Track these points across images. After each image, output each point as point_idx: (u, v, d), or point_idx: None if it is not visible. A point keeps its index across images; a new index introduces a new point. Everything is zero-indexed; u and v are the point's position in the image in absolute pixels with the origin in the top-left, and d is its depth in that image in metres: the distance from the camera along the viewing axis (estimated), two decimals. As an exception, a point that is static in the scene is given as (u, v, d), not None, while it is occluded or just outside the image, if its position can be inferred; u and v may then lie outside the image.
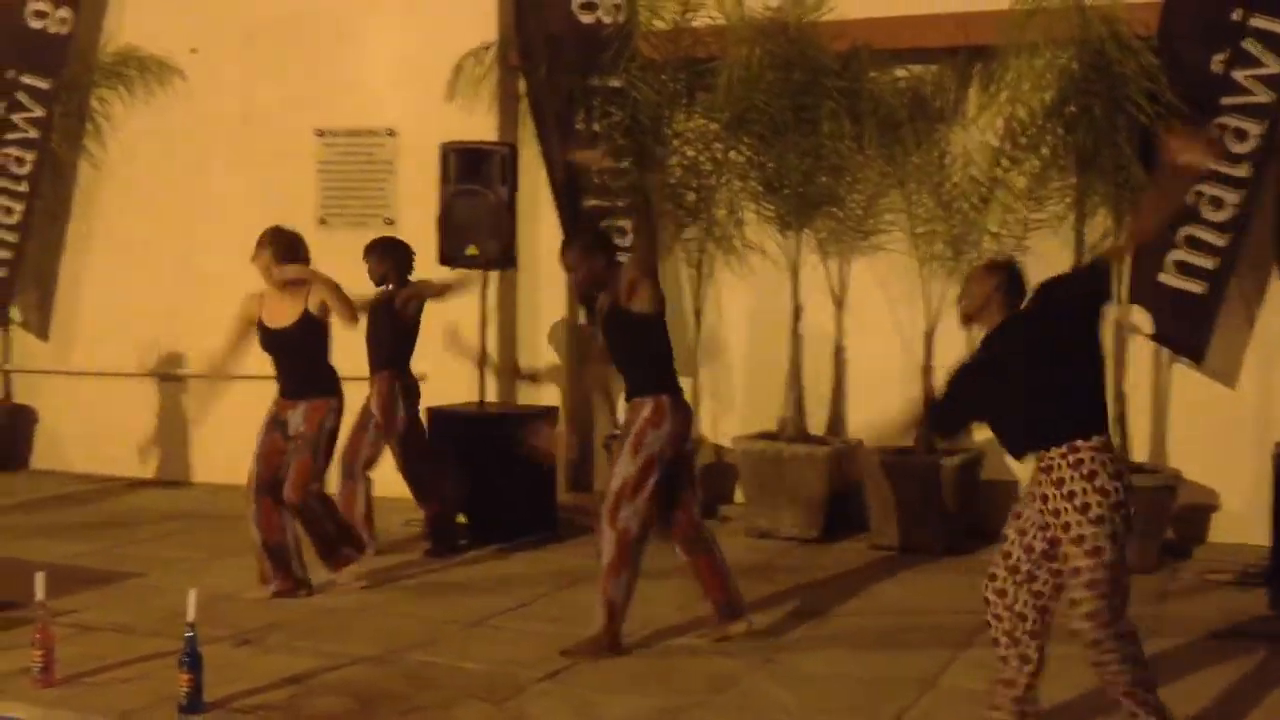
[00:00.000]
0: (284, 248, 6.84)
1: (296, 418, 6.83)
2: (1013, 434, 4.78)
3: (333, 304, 6.78)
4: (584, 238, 6.44)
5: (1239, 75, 7.55)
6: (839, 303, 8.70)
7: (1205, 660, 5.87)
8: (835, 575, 7.48)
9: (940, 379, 8.13)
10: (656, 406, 5.93)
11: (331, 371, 6.98)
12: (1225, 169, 7.41)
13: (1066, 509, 4.51)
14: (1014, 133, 7.88)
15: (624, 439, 5.96)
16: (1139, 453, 7.96)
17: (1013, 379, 4.69)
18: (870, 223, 8.52)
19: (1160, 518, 7.55)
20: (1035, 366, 4.64)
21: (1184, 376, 8.07)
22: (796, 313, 8.51)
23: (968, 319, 4.93)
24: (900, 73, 8.36)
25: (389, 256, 7.79)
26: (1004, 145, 7.92)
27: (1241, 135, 7.55)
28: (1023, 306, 4.79)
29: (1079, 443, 4.55)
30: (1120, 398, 7.73)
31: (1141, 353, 8.04)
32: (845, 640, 6.26)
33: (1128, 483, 4.61)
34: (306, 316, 6.80)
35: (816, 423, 8.70)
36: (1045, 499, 4.58)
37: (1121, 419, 7.68)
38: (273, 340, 6.88)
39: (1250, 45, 7.52)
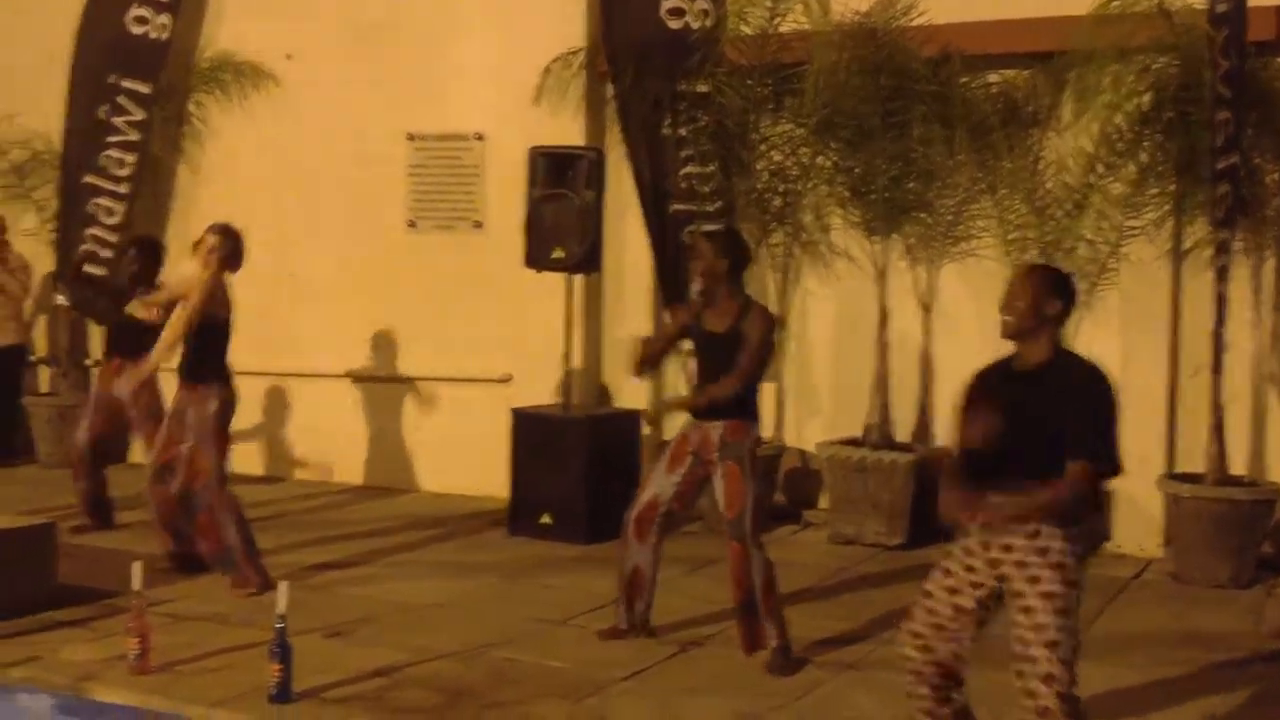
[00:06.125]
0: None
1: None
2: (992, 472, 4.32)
3: None
4: (723, 235, 6.53)
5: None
6: (927, 309, 8.63)
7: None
8: (919, 582, 7.38)
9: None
10: (756, 428, 5.99)
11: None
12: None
13: (1037, 562, 4.23)
14: (1110, 139, 7.79)
15: (731, 458, 5.85)
16: (1237, 465, 7.77)
17: (1025, 425, 4.24)
18: (960, 228, 8.44)
19: (1257, 532, 7.43)
20: (1045, 428, 4.23)
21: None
22: (883, 318, 8.47)
23: (1013, 337, 4.36)
24: (992, 78, 8.28)
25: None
26: (1099, 151, 7.82)
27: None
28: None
29: None
30: (1218, 410, 7.54)
31: (1240, 364, 7.87)
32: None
33: None
34: None
35: (903, 429, 8.66)
36: (1008, 548, 4.28)
37: (1219, 430, 7.53)
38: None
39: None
